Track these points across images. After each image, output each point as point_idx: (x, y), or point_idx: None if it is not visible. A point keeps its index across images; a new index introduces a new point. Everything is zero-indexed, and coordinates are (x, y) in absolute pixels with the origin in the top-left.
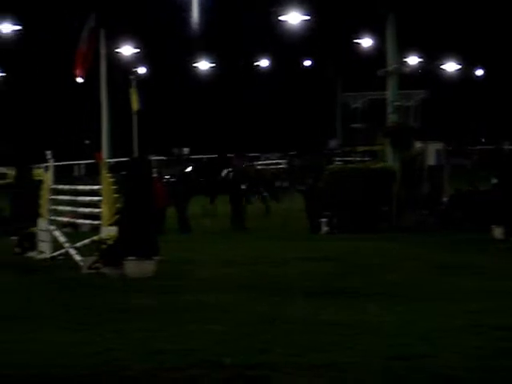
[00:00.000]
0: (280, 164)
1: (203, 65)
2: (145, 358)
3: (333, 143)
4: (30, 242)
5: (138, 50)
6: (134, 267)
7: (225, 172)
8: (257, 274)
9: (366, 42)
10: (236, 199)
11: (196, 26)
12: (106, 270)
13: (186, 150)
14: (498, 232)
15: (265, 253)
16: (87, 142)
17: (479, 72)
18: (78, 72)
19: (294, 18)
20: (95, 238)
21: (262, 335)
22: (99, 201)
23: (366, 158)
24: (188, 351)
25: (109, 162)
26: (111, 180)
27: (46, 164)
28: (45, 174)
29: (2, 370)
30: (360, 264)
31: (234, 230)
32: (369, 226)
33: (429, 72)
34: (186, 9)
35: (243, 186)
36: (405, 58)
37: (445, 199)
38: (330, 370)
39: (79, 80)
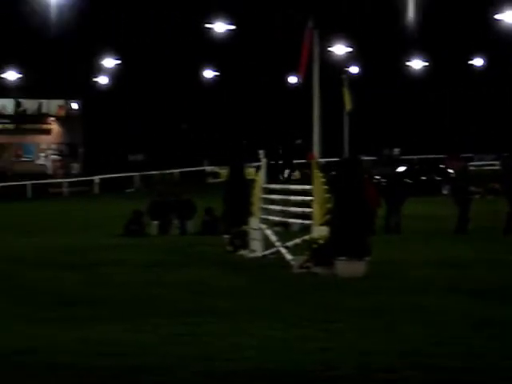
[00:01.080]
0: (494, 165)
1: (416, 64)
2: (355, 359)
3: None
4: (242, 240)
5: (351, 49)
6: (345, 267)
7: (287, 172)
8: (472, 277)
9: None
10: (463, 201)
11: (410, 25)
12: (316, 270)
13: (396, 151)
14: None
15: (481, 255)
16: (298, 141)
17: None
18: (300, 72)
19: (510, 17)
20: (306, 237)
21: (474, 339)
22: (311, 200)
23: None
24: (399, 353)
25: (320, 162)
26: (323, 180)
27: (257, 163)
28: (256, 173)
29: (229, 365)
30: None
31: (456, 232)
32: None
33: None
34: (400, 7)
35: (473, 188)
36: None
37: None
38: None
39: (299, 80)
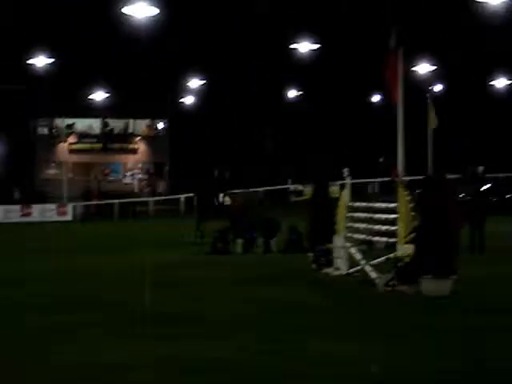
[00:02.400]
0: None
1: (499, 83)
2: (434, 377)
3: None
4: (326, 258)
5: (435, 68)
6: (431, 286)
7: (221, 196)
8: None
9: None
10: None
11: (494, 41)
12: (402, 288)
13: (480, 169)
14: None
15: None
16: (381, 159)
17: None
18: (392, 96)
19: None
20: (391, 255)
21: None
22: (395, 218)
23: None
24: (485, 372)
25: (404, 180)
26: (408, 198)
27: (341, 181)
28: (340, 191)
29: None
30: None
31: None
32: None
33: None
34: (484, 25)
35: None
36: None
37: None
38: None
39: (393, 104)
